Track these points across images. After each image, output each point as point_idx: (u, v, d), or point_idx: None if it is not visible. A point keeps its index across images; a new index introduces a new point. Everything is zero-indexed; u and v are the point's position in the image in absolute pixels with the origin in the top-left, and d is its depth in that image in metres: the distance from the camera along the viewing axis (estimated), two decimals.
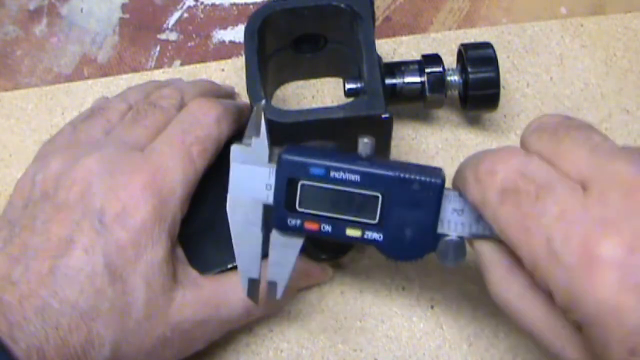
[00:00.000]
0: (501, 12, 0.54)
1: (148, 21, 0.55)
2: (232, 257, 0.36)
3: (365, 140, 0.34)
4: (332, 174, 0.34)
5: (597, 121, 0.49)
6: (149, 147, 0.38)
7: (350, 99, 0.45)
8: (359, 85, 0.45)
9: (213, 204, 0.40)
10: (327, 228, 0.34)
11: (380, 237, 0.34)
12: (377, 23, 0.54)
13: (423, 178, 0.33)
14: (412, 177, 0.33)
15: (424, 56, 0.47)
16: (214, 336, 0.39)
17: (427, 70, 0.45)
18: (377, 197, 0.34)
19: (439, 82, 0.45)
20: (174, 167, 0.37)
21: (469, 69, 0.45)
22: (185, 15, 0.55)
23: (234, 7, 0.56)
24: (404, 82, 0.45)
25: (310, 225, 0.34)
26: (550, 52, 0.52)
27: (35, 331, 0.31)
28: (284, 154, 0.34)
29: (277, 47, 0.47)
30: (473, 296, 0.44)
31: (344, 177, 0.34)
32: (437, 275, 0.45)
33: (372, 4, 0.44)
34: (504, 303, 0.33)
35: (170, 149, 0.38)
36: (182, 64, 0.53)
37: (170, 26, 0.55)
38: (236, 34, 0.54)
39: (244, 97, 0.51)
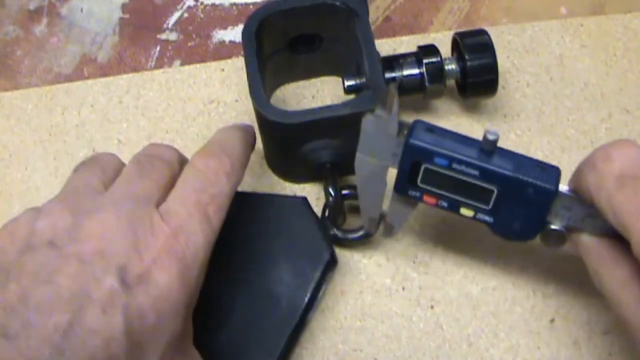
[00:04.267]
0: (501, 12, 0.54)
1: (148, 21, 0.55)
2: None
3: (489, 135, 0.35)
4: (454, 165, 0.36)
5: (597, 121, 0.49)
6: (164, 207, 0.34)
7: (351, 96, 0.46)
8: (358, 81, 0.45)
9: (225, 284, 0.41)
10: (444, 204, 0.38)
11: (491, 219, 0.37)
12: (377, 23, 0.54)
13: (539, 183, 0.35)
14: (529, 180, 0.35)
15: (420, 47, 0.47)
16: None
17: (425, 61, 0.46)
18: (493, 190, 0.36)
19: (437, 72, 0.46)
20: (195, 230, 0.33)
21: (467, 56, 0.45)
22: (185, 15, 0.55)
23: (234, 7, 0.56)
24: (403, 75, 0.45)
25: (429, 199, 0.38)
26: (550, 52, 0.52)
27: None
28: (412, 138, 0.36)
29: (274, 49, 0.47)
30: (473, 296, 0.44)
31: (464, 169, 0.36)
32: (437, 275, 0.45)
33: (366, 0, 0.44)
34: (608, 292, 0.34)
35: (187, 210, 0.34)
36: (182, 64, 0.53)
37: (170, 26, 0.55)
38: (236, 34, 0.54)
39: (244, 98, 0.51)
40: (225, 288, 0.41)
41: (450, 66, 0.46)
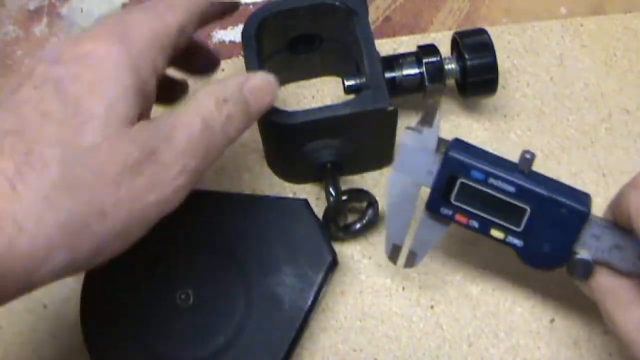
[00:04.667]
0: (501, 12, 0.54)
1: None
2: None
3: (527, 155, 0.36)
4: (490, 180, 0.36)
5: (597, 121, 0.49)
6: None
7: (351, 96, 0.46)
8: (358, 81, 0.45)
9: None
10: (475, 224, 0.38)
11: (520, 243, 0.37)
12: (377, 23, 0.54)
13: (572, 204, 0.36)
14: (563, 200, 0.36)
15: (420, 47, 0.47)
16: (189, 162, 0.33)
17: (425, 60, 0.46)
18: (526, 209, 0.36)
19: (437, 72, 0.46)
20: (140, 20, 0.34)
21: (467, 56, 0.45)
22: None
23: None
24: (402, 75, 0.45)
25: (460, 218, 0.38)
26: (550, 52, 0.52)
27: None
28: (451, 151, 0.37)
29: (273, 50, 0.47)
30: (473, 296, 0.44)
31: (500, 185, 0.36)
32: (437, 275, 0.45)
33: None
34: (622, 333, 0.34)
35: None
36: None
37: None
38: (236, 34, 0.54)
39: None
40: (228, 290, 0.41)
41: (450, 66, 0.46)
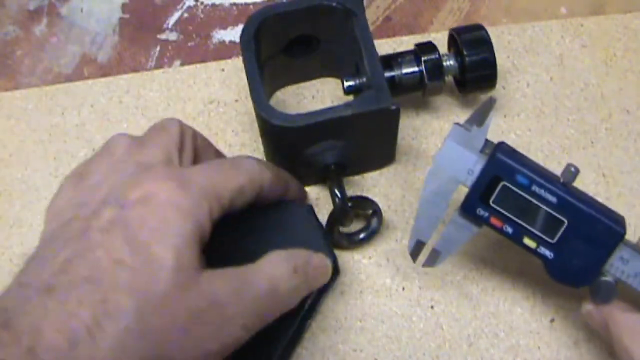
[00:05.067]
0: (501, 12, 0.54)
1: (148, 21, 0.55)
2: None
3: (572, 168, 0.36)
4: (533, 187, 0.36)
5: (597, 121, 0.49)
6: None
7: (350, 96, 0.46)
8: (357, 81, 0.45)
9: None
10: (509, 229, 0.37)
11: (551, 255, 0.37)
12: (377, 23, 0.54)
13: (610, 223, 0.36)
14: (601, 218, 0.36)
15: (417, 45, 0.47)
16: (252, 320, 0.35)
17: (424, 58, 0.46)
18: (563, 222, 0.36)
19: (437, 69, 0.46)
20: (210, 177, 0.35)
21: (465, 52, 0.45)
22: (185, 15, 0.55)
23: (234, 7, 0.56)
24: (402, 73, 0.45)
25: (495, 222, 0.37)
26: (550, 52, 0.52)
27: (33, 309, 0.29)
28: (499, 153, 0.37)
29: (271, 54, 0.46)
30: (473, 296, 0.44)
31: (542, 194, 0.36)
32: (437, 275, 0.45)
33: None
34: None
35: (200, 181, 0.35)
36: (182, 64, 0.53)
37: (170, 26, 0.55)
38: (236, 34, 0.54)
39: (244, 98, 0.51)
40: None
41: (449, 62, 0.46)
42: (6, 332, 0.28)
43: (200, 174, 0.35)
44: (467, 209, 0.38)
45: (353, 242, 0.45)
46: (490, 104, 0.38)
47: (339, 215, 0.44)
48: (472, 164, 0.37)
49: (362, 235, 0.45)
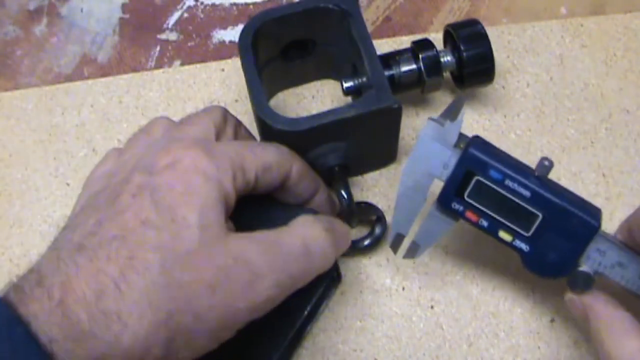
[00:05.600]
0: (501, 12, 0.54)
1: (148, 21, 0.55)
2: None
3: (546, 162, 0.36)
4: (507, 181, 0.36)
5: (597, 121, 0.49)
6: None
7: (349, 97, 0.45)
8: (356, 82, 0.45)
9: None
10: (484, 223, 0.38)
11: (527, 248, 0.37)
12: (377, 23, 0.54)
13: (585, 216, 0.36)
14: (576, 212, 0.36)
15: (414, 43, 0.47)
16: (284, 279, 0.34)
17: (421, 55, 0.46)
18: (538, 216, 0.36)
19: (435, 65, 0.46)
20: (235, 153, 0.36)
21: (462, 47, 0.45)
22: (185, 15, 0.55)
23: (234, 7, 0.56)
24: (400, 71, 0.45)
25: (471, 215, 0.38)
26: (550, 52, 0.52)
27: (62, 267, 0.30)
28: (472, 148, 0.37)
29: (268, 59, 0.46)
30: (473, 296, 0.44)
31: (516, 188, 0.36)
32: (437, 275, 0.45)
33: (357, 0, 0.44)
34: (614, 359, 0.34)
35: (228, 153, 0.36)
36: (182, 64, 0.53)
37: (170, 26, 0.55)
38: (236, 34, 0.54)
39: (244, 98, 0.51)
40: None
41: (446, 58, 0.46)
42: (39, 288, 0.30)
43: (228, 146, 0.36)
44: (443, 203, 0.38)
45: (357, 249, 0.45)
46: (462, 100, 0.39)
47: (346, 217, 0.44)
48: (447, 159, 0.37)
49: (366, 242, 0.45)
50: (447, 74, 0.47)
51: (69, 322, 0.29)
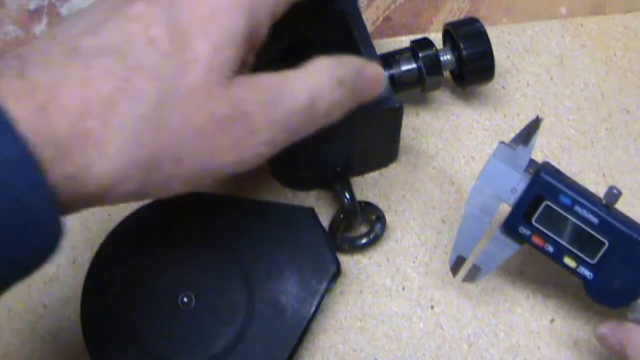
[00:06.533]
0: (501, 12, 0.54)
1: None
2: None
3: (615, 191, 0.37)
4: (576, 207, 0.37)
5: (597, 121, 0.49)
6: None
7: None
8: None
9: None
10: (550, 248, 0.38)
11: (591, 275, 0.38)
12: (377, 23, 0.54)
13: None
14: None
15: (413, 42, 0.47)
16: (279, 136, 0.32)
17: (421, 54, 0.46)
18: (604, 243, 0.37)
19: (435, 64, 0.46)
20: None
21: (462, 45, 0.45)
22: None
23: None
24: (400, 71, 0.45)
25: (537, 240, 0.38)
26: (550, 52, 0.52)
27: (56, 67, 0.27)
28: (543, 172, 0.37)
29: (266, 62, 0.46)
30: (473, 296, 0.44)
31: (584, 214, 0.37)
32: (437, 275, 0.45)
33: None
34: None
35: None
36: None
37: None
38: None
39: None
40: (230, 296, 0.41)
41: (446, 57, 0.46)
42: (21, 81, 0.26)
43: None
44: (510, 226, 0.38)
45: (355, 247, 0.45)
46: (536, 124, 0.39)
47: (348, 217, 0.44)
48: (516, 183, 0.38)
49: (364, 241, 0.45)
50: (447, 73, 0.47)
51: (50, 130, 0.26)
